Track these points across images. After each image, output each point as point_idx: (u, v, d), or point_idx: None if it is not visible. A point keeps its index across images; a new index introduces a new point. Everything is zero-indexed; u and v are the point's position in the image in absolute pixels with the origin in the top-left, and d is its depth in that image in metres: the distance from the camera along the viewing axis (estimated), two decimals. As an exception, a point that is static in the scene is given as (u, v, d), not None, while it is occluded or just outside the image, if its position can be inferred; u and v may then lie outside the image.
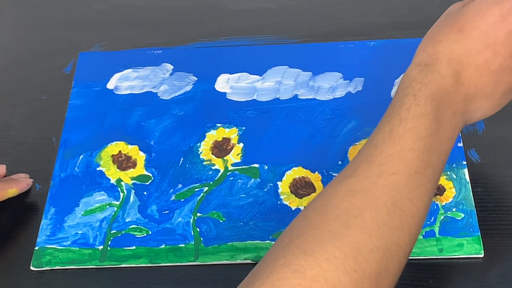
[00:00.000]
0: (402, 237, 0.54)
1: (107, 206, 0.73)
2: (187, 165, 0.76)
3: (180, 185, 0.74)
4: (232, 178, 0.74)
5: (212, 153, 0.76)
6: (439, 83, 0.59)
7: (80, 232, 0.71)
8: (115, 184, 0.75)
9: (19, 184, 0.73)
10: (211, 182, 0.74)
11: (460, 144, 0.75)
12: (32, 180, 0.75)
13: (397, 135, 0.57)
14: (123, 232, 0.71)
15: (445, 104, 0.59)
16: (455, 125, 0.60)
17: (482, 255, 0.67)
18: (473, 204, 0.70)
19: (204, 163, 0.76)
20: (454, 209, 0.70)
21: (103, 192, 0.74)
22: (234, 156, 0.76)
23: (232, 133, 0.78)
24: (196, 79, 0.83)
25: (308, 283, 0.49)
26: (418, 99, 0.58)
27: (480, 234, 0.68)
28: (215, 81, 0.83)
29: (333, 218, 0.53)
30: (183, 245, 0.70)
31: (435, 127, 0.57)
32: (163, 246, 0.70)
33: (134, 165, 0.76)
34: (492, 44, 0.60)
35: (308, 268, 0.50)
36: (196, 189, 0.74)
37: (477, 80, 0.61)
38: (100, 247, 0.70)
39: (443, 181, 0.72)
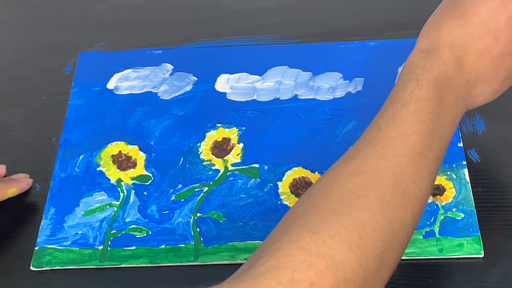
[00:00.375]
0: (405, 216, 0.55)
1: (107, 206, 0.73)
2: (187, 165, 0.76)
3: (180, 185, 0.74)
4: (232, 178, 0.74)
5: (212, 153, 0.76)
6: (442, 69, 0.60)
7: (80, 232, 0.71)
8: (115, 184, 0.75)
9: (19, 184, 0.73)
10: (211, 182, 0.74)
11: (460, 144, 0.75)
12: (32, 180, 0.75)
13: (400, 119, 0.58)
14: (123, 232, 0.71)
15: (447, 89, 0.60)
16: (457, 110, 0.61)
17: (482, 255, 0.67)
18: (473, 204, 0.70)
19: (204, 163, 0.76)
20: (454, 209, 0.70)
21: (103, 192, 0.74)
22: (234, 156, 0.76)
23: (232, 133, 0.78)
24: (196, 79, 0.83)
25: (313, 259, 0.50)
26: (421, 83, 0.59)
27: (480, 234, 0.68)
28: (215, 81, 0.83)
29: (337, 197, 0.54)
30: (183, 245, 0.70)
31: (437, 111, 0.58)
32: (163, 246, 0.70)
33: (134, 165, 0.76)
34: (493, 30, 0.61)
35: (314, 245, 0.51)
36: (196, 189, 0.74)
37: (479, 66, 0.62)
38: (100, 247, 0.70)
39: (443, 181, 0.72)
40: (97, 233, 0.71)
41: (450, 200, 0.71)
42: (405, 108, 0.58)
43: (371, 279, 0.52)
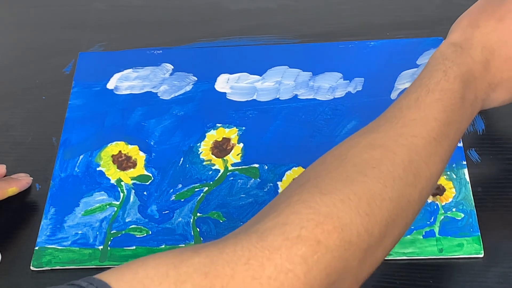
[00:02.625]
0: (413, 194, 0.56)
1: (107, 206, 0.73)
2: (187, 165, 0.76)
3: (180, 185, 0.74)
4: (232, 178, 0.74)
5: (212, 153, 0.76)
6: (470, 67, 0.61)
7: (80, 232, 0.71)
8: (115, 184, 0.75)
9: (19, 182, 0.74)
10: (211, 182, 0.74)
11: (460, 144, 0.75)
12: (32, 178, 0.75)
13: (423, 103, 0.59)
14: (123, 232, 0.71)
15: (470, 87, 0.61)
16: (475, 108, 0.62)
17: (482, 255, 0.67)
18: (473, 204, 0.70)
19: (204, 163, 0.76)
20: (454, 209, 0.70)
21: (103, 192, 0.74)
22: (234, 156, 0.76)
23: (232, 133, 0.78)
24: (196, 79, 0.83)
25: (321, 219, 0.51)
26: (448, 75, 0.60)
27: (480, 234, 0.68)
28: (215, 81, 0.83)
29: (351, 165, 0.55)
30: (183, 245, 0.70)
31: (459, 104, 0.60)
32: (163, 246, 0.70)
33: (134, 165, 0.76)
34: None
35: (323, 205, 0.52)
36: (196, 189, 0.74)
37: (503, 72, 0.63)
38: (100, 247, 0.70)
39: (443, 181, 0.72)
40: (97, 233, 0.71)
41: (450, 200, 0.71)
42: (429, 95, 0.59)
43: (374, 246, 0.54)
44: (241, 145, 0.77)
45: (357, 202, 0.53)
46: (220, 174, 0.75)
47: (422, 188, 0.57)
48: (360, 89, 0.81)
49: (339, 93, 0.80)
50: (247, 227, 0.52)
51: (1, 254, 0.71)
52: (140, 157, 0.77)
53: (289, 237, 0.50)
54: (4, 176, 0.76)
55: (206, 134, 0.78)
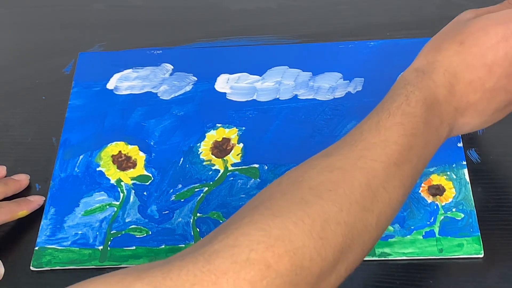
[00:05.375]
0: (370, 219, 0.55)
1: (107, 206, 0.73)
2: (187, 165, 0.76)
3: (180, 185, 0.74)
4: (232, 178, 0.74)
5: (212, 153, 0.76)
6: (432, 91, 0.60)
7: (80, 232, 0.71)
8: (115, 184, 0.75)
9: (29, 205, 0.73)
10: (211, 182, 0.74)
11: (460, 144, 0.75)
12: (44, 198, 0.74)
13: (383, 127, 0.58)
14: (123, 232, 0.71)
15: (434, 111, 0.60)
16: (441, 134, 0.61)
17: (482, 255, 0.67)
18: (473, 204, 0.70)
19: (204, 163, 0.76)
20: (454, 209, 0.70)
21: (103, 192, 0.74)
22: (234, 156, 0.76)
23: (232, 133, 0.78)
24: (196, 79, 0.83)
25: (272, 242, 0.50)
26: (410, 100, 0.59)
27: (480, 234, 0.68)
28: (215, 81, 0.83)
29: (307, 187, 0.54)
30: (183, 245, 0.70)
31: (421, 129, 0.58)
32: (163, 246, 0.70)
33: (134, 165, 0.76)
34: (489, 64, 0.61)
35: (275, 228, 0.51)
36: (196, 189, 0.74)
37: (469, 96, 0.62)
38: (100, 247, 0.70)
39: (443, 181, 0.72)
40: (97, 233, 0.71)
41: (450, 200, 0.71)
42: (390, 119, 0.58)
43: (327, 271, 0.52)
44: (241, 145, 0.77)
45: (311, 225, 0.51)
46: (220, 174, 0.75)
47: (380, 213, 0.55)
48: (360, 89, 0.81)
49: (339, 93, 0.80)
50: (196, 248, 0.51)
51: (2, 254, 0.71)
52: (140, 157, 0.77)
53: (237, 260, 0.49)
54: (4, 176, 0.76)
55: (206, 134, 0.78)
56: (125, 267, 0.69)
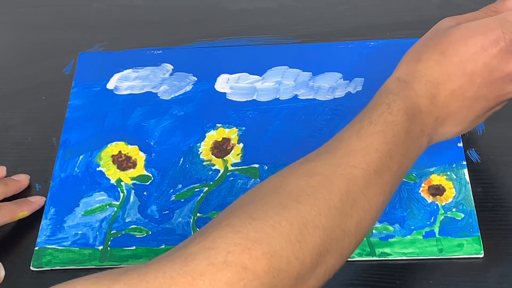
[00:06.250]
0: (349, 225, 0.55)
1: (107, 206, 0.73)
2: (187, 165, 0.76)
3: (180, 185, 0.74)
4: (232, 178, 0.74)
5: (212, 153, 0.76)
6: (414, 101, 0.60)
7: (80, 232, 0.71)
8: (115, 184, 0.75)
9: (30, 206, 0.73)
10: (211, 182, 0.74)
11: (460, 144, 0.75)
12: (44, 199, 0.74)
13: (364, 134, 0.58)
14: (123, 232, 0.71)
15: (416, 120, 0.60)
16: (421, 142, 0.61)
17: (482, 255, 0.67)
18: (473, 204, 0.70)
19: (204, 163, 0.76)
20: (454, 209, 0.70)
21: (103, 192, 0.74)
22: (234, 156, 0.76)
23: (232, 133, 0.78)
24: (196, 79, 0.83)
25: (249, 244, 0.50)
26: (391, 108, 0.59)
27: (480, 234, 0.68)
28: (215, 81, 0.83)
29: (286, 192, 0.54)
30: (183, 245, 0.70)
31: (402, 137, 0.59)
32: (163, 246, 0.70)
33: (134, 165, 0.76)
34: (469, 73, 0.61)
35: (252, 231, 0.51)
36: (196, 189, 0.74)
37: (450, 105, 0.62)
38: (100, 247, 0.70)
39: (443, 181, 0.72)
40: (97, 233, 0.71)
41: (450, 200, 0.71)
42: (371, 127, 0.58)
43: (305, 274, 0.52)
44: (241, 145, 0.77)
45: (289, 228, 0.51)
46: (220, 174, 0.75)
47: (360, 220, 0.56)
48: (360, 89, 0.81)
49: (339, 93, 0.80)
50: (173, 251, 0.51)
51: (1, 254, 0.71)
52: (140, 157, 0.77)
53: (214, 262, 0.49)
54: (4, 177, 0.76)
55: (206, 134, 0.78)
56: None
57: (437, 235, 0.69)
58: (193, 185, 0.74)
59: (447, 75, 0.61)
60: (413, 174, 0.73)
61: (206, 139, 0.78)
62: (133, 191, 0.74)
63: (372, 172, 0.56)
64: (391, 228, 0.69)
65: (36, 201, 0.73)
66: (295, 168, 0.57)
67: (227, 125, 0.79)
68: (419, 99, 0.61)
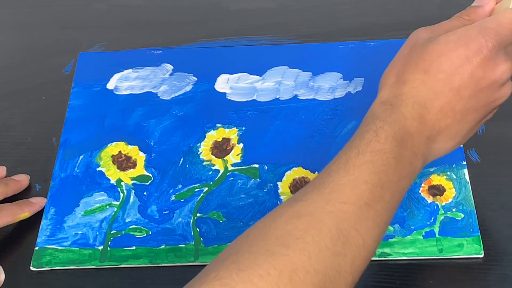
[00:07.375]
0: (343, 265, 0.53)
1: (107, 207, 0.73)
2: (187, 166, 0.76)
3: (180, 185, 0.74)
4: (232, 178, 0.74)
5: (212, 154, 0.76)
6: (402, 124, 0.59)
7: (80, 232, 0.72)
8: (115, 184, 0.75)
9: (31, 207, 0.73)
10: (211, 183, 0.74)
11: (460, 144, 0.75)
12: (45, 200, 0.74)
13: (352, 166, 0.56)
14: (123, 232, 0.71)
15: (406, 144, 0.58)
16: (414, 166, 0.59)
17: (482, 255, 0.67)
18: (473, 204, 0.70)
19: (204, 163, 0.76)
20: (454, 209, 0.70)
21: (103, 192, 0.74)
22: (234, 157, 0.76)
23: (232, 133, 0.78)
24: (196, 79, 0.83)
25: None
26: (379, 136, 0.58)
27: (480, 234, 0.68)
28: (215, 81, 0.83)
29: (274, 238, 0.53)
30: (183, 245, 0.70)
31: (393, 164, 0.57)
32: (163, 246, 0.70)
33: (134, 165, 0.76)
34: (457, 87, 0.60)
35: (240, 282, 0.49)
36: (196, 189, 0.74)
37: (441, 122, 0.60)
38: (100, 247, 0.70)
39: (443, 181, 0.72)
40: (97, 233, 0.71)
41: (450, 200, 0.71)
42: (359, 157, 0.56)
43: None
44: (241, 145, 0.77)
45: (277, 276, 0.50)
46: (220, 174, 0.75)
47: (354, 257, 0.53)
48: (360, 89, 0.81)
49: (339, 93, 0.80)
50: None
51: (1, 254, 0.71)
52: (140, 157, 0.77)
53: None
54: (4, 177, 0.76)
55: (206, 134, 0.78)
56: (125, 267, 0.69)
57: (437, 235, 0.69)
58: (193, 185, 0.74)
59: (434, 93, 0.60)
60: (413, 174, 0.73)
61: (206, 139, 0.78)
62: (133, 191, 0.74)
63: (363, 205, 0.55)
64: (391, 228, 0.69)
65: (37, 202, 0.73)
66: (283, 210, 0.55)
67: (227, 125, 0.79)
68: (408, 122, 0.59)
